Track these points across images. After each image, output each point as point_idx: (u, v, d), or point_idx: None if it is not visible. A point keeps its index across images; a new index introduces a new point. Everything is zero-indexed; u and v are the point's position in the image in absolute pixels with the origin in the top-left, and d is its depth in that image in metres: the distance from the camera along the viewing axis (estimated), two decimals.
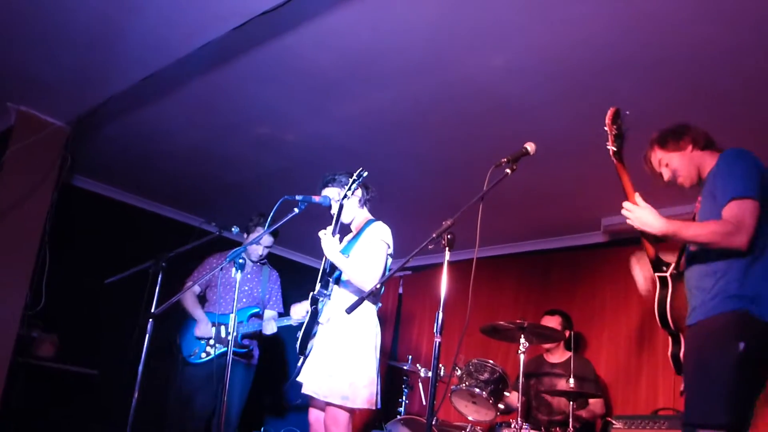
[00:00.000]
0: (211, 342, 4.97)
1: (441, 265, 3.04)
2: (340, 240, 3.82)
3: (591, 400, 5.18)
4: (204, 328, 4.98)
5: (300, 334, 3.83)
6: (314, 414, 3.81)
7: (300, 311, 4.24)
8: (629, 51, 3.62)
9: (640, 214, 2.93)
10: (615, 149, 3.15)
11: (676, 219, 2.92)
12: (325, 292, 3.80)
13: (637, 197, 3.01)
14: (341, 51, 3.92)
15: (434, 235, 2.95)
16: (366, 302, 3.67)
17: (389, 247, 3.83)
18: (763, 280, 2.69)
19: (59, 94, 4.72)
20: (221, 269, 4.77)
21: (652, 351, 5.47)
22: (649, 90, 3.96)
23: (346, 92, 4.38)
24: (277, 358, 7.15)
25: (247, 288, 5.17)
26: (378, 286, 3.60)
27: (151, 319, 4.04)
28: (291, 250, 7.79)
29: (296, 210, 3.80)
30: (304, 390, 3.66)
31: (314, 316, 3.81)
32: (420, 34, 3.69)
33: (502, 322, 4.64)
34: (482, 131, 4.63)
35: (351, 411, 3.62)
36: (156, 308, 4.10)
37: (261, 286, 5.30)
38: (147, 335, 4.12)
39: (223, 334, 4.98)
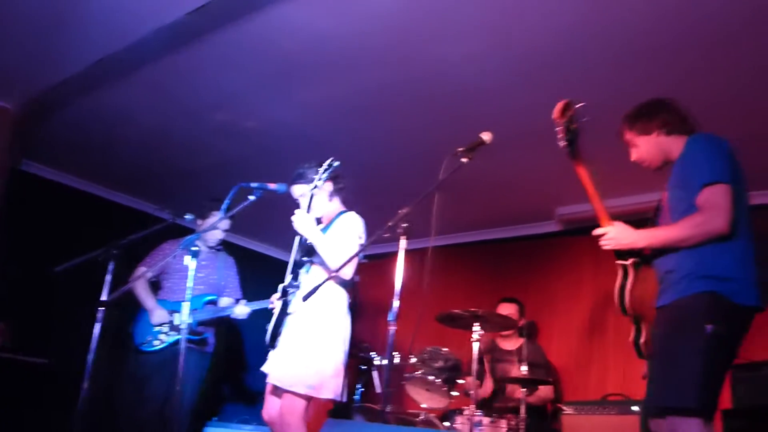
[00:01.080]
0: (165, 329, 4.91)
1: (397, 253, 3.06)
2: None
3: (540, 387, 5.27)
4: (158, 314, 4.91)
5: (270, 326, 3.73)
6: (272, 403, 3.69)
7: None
8: (583, 42, 3.66)
9: (616, 235, 2.93)
10: (566, 144, 3.13)
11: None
12: (295, 283, 3.73)
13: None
14: (302, 36, 3.89)
15: (390, 224, 2.96)
16: (339, 292, 3.68)
17: (361, 238, 3.73)
18: (734, 261, 2.67)
19: (8, 76, 4.60)
20: (174, 256, 4.73)
21: (602, 338, 5.59)
22: (602, 80, 4.01)
23: (306, 78, 4.35)
24: (234, 346, 7.13)
25: (202, 275, 5.09)
26: (351, 276, 3.61)
27: (102, 307, 3.98)
28: (247, 238, 7.73)
29: (252, 197, 3.76)
30: (269, 380, 3.60)
31: (284, 308, 3.71)
32: (382, 21, 3.68)
33: (457, 311, 4.68)
34: (440, 120, 4.66)
35: (308, 400, 3.55)
36: (108, 296, 4.04)
37: (217, 272, 5.22)
38: (98, 323, 4.07)
39: (177, 322, 4.92)
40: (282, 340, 3.67)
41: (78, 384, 3.98)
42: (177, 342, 4.82)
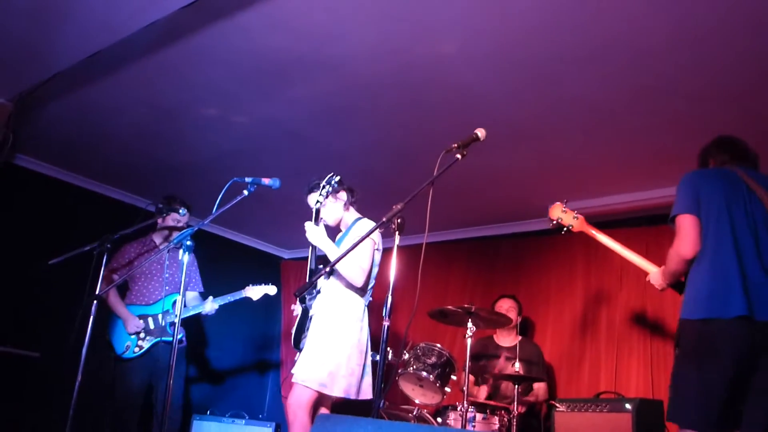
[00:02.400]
0: (142, 335, 4.93)
1: (390, 249, 3.06)
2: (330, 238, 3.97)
3: (535, 384, 5.28)
4: (132, 323, 4.93)
5: (294, 330, 4.01)
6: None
7: (255, 293, 4.94)
8: (576, 41, 3.66)
9: (652, 280, 3.39)
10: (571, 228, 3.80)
11: None
12: (314, 289, 3.97)
13: None
14: (293, 33, 3.87)
15: (384, 219, 2.96)
16: (353, 296, 3.94)
17: (376, 243, 4.00)
18: (692, 283, 3.00)
19: (0, 69, 4.57)
20: (138, 260, 4.89)
21: (595, 336, 5.60)
22: (594, 80, 4.01)
23: (297, 75, 4.33)
24: (212, 340, 7.15)
25: (168, 275, 5.11)
26: (363, 283, 3.89)
27: (95, 301, 4.00)
28: (232, 230, 7.72)
29: (245, 192, 3.77)
30: (293, 380, 3.82)
31: (305, 313, 3.97)
32: (373, 18, 3.66)
33: (450, 307, 4.68)
34: (433, 117, 4.65)
35: (316, 393, 3.77)
36: (100, 290, 4.05)
37: (179, 270, 5.22)
38: (91, 317, 4.07)
39: (152, 326, 4.98)
40: (305, 342, 3.94)
41: (69, 378, 3.98)
42: (156, 344, 4.94)
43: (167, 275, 5.09)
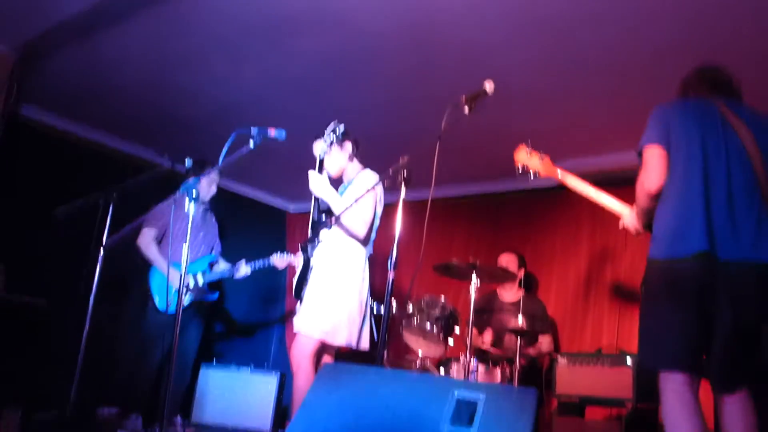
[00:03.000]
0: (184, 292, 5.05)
1: (395, 203, 3.06)
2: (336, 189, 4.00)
3: (540, 338, 5.34)
4: (177, 278, 5.01)
5: (295, 279, 4.04)
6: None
7: (281, 261, 5.13)
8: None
9: (628, 223, 3.13)
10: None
11: None
12: (316, 238, 3.98)
13: None
14: None
15: (391, 172, 2.97)
16: (354, 247, 3.95)
17: (378, 196, 4.02)
18: (658, 219, 2.82)
19: (4, 18, 4.53)
20: (175, 218, 4.97)
21: (599, 292, 5.63)
22: (607, 37, 3.97)
23: (303, 28, 4.28)
24: (219, 291, 7.22)
25: (201, 235, 5.25)
26: (365, 234, 3.91)
27: (102, 251, 4.03)
28: (239, 183, 7.72)
29: (251, 143, 3.75)
30: (295, 329, 3.87)
31: (306, 263, 3.99)
32: None
33: (454, 261, 4.71)
34: (441, 70, 4.61)
35: (321, 344, 3.83)
36: (107, 240, 4.08)
37: (210, 233, 5.43)
38: (98, 267, 4.10)
39: (191, 285, 5.13)
40: (306, 292, 3.96)
41: (77, 328, 4.03)
42: (192, 303, 5.17)
43: (201, 235, 5.21)
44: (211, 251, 5.43)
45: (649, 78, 4.32)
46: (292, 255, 5.20)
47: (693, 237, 2.65)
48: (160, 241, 5.19)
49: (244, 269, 5.23)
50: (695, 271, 2.64)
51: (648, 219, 2.96)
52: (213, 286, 5.37)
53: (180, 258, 4.99)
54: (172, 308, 5.03)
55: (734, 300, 2.63)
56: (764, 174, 2.74)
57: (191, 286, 5.12)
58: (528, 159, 3.49)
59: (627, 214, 3.12)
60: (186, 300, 5.10)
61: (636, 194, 2.93)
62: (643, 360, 2.87)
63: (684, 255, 2.66)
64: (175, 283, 5.01)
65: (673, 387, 2.63)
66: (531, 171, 3.49)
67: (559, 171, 3.42)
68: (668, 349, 2.67)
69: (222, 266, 5.35)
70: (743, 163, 2.75)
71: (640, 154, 2.89)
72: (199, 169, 4.99)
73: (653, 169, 2.81)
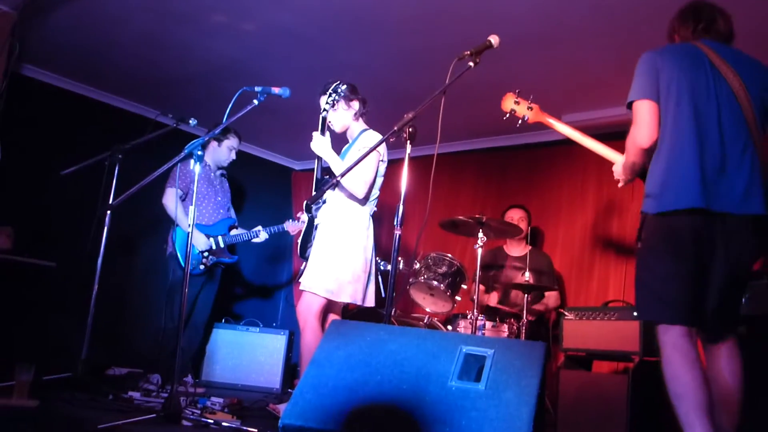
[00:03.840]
0: (206, 254, 5.16)
1: (401, 160, 3.05)
2: (338, 149, 3.99)
3: (546, 293, 5.35)
4: (202, 241, 5.17)
5: (299, 239, 4.07)
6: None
7: (293, 228, 5.26)
8: None
9: (615, 171, 3.11)
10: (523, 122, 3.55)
11: None
12: (319, 198, 3.99)
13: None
14: None
15: (396, 128, 2.95)
16: (357, 205, 3.96)
17: (381, 155, 4.00)
18: (651, 174, 2.80)
19: None
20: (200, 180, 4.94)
21: (605, 246, 5.62)
22: None
23: None
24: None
25: (220, 199, 5.34)
26: (365, 194, 3.90)
27: (109, 211, 4.05)
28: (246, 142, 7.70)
29: (255, 102, 3.74)
30: (301, 288, 3.90)
31: (311, 222, 4.02)
32: None
33: (460, 217, 4.71)
34: (445, 23, 4.54)
35: (326, 301, 3.85)
36: (113, 200, 4.09)
37: (226, 197, 5.56)
38: (105, 227, 4.12)
39: (214, 246, 5.23)
40: (311, 251, 3.99)
41: (85, 287, 4.07)
42: (215, 265, 5.32)
43: (219, 198, 5.30)
44: (230, 214, 5.53)
45: (657, 28, 4.24)
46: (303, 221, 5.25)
47: (688, 191, 2.63)
48: (183, 200, 5.22)
49: (263, 235, 5.36)
50: (690, 224, 2.64)
51: (634, 174, 2.97)
52: (231, 249, 5.44)
53: (202, 221, 5.17)
54: (196, 270, 5.17)
55: (729, 251, 2.65)
56: (753, 118, 2.70)
57: (213, 247, 5.19)
58: (515, 106, 3.51)
59: (618, 163, 3.09)
60: (209, 262, 5.22)
61: (626, 148, 2.89)
62: (642, 313, 2.85)
63: (679, 208, 2.64)
64: (198, 245, 5.13)
65: (672, 340, 2.63)
66: (519, 117, 3.52)
67: (548, 118, 3.46)
68: (666, 302, 2.67)
69: (238, 230, 5.45)
70: (732, 109, 2.71)
71: (629, 106, 2.83)
72: (220, 136, 5.06)
73: (645, 124, 2.76)
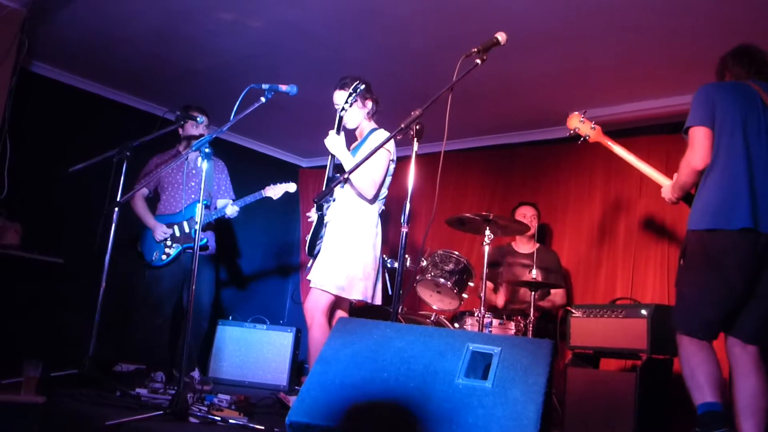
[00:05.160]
0: (168, 243, 5.04)
1: (408, 158, 3.05)
2: (347, 147, 3.97)
3: (553, 290, 5.34)
4: (159, 231, 5.07)
5: (308, 237, 4.04)
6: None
7: (276, 191, 5.09)
8: None
9: (665, 194, 3.38)
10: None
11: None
12: (330, 195, 3.99)
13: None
14: None
15: (403, 126, 2.95)
16: (366, 203, 3.95)
17: (391, 154, 3.98)
18: (700, 194, 3.05)
19: None
20: (165, 169, 5.00)
21: (613, 243, 5.61)
22: None
23: None
24: (234, 247, 7.27)
25: (194, 183, 5.17)
26: (373, 194, 3.90)
27: (116, 208, 4.06)
28: (249, 138, 7.70)
29: (263, 99, 3.74)
30: (311, 284, 3.89)
31: (320, 219, 4.00)
32: None
33: (467, 214, 4.70)
34: (453, 21, 4.53)
35: (333, 297, 3.85)
36: (121, 197, 4.10)
37: (208, 178, 5.26)
38: (113, 224, 4.14)
39: (177, 233, 5.09)
40: (320, 249, 3.97)
41: (93, 283, 4.08)
42: (182, 251, 5.07)
43: (193, 184, 5.15)
44: (208, 197, 5.22)
45: (671, 24, 4.24)
46: (291, 184, 5.20)
47: (738, 212, 2.87)
48: (155, 196, 5.21)
49: (231, 209, 5.06)
50: (738, 244, 2.87)
51: (684, 192, 3.22)
52: (205, 232, 5.19)
53: (167, 210, 5.09)
54: (158, 261, 5.03)
55: None
56: None
57: (177, 234, 5.06)
58: (580, 125, 3.78)
59: (666, 186, 3.36)
60: (173, 251, 5.04)
61: (680, 170, 3.13)
62: (676, 324, 3.06)
63: (728, 228, 2.88)
64: (156, 235, 5.04)
65: (691, 347, 2.96)
66: (582, 135, 3.80)
67: (607, 140, 3.72)
68: (699, 319, 2.95)
69: (220, 205, 5.20)
70: None
71: (686, 132, 3.09)
72: (184, 115, 4.91)
73: (700, 147, 3.01)
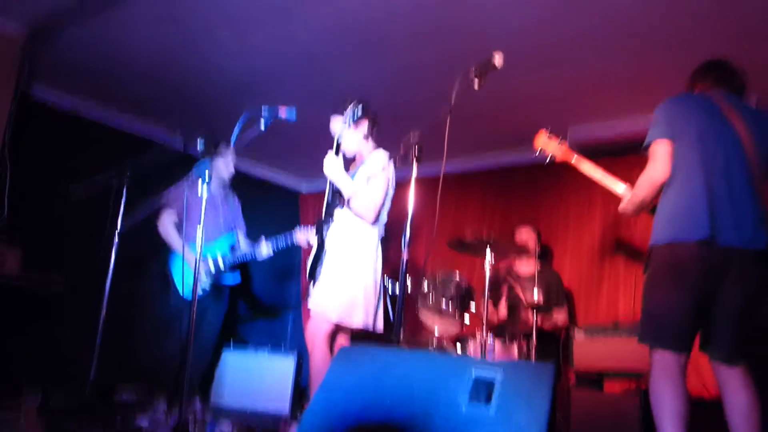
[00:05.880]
0: (202, 276, 5.03)
1: (407, 181, 3.04)
2: (347, 169, 3.95)
3: (554, 311, 5.31)
4: (192, 261, 4.97)
5: (309, 261, 4.00)
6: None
7: (302, 236, 4.89)
8: None
9: (621, 210, 3.36)
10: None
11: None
12: (330, 219, 3.97)
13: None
14: None
15: (402, 148, 2.98)
16: (366, 228, 3.92)
17: (390, 180, 3.97)
18: (661, 208, 3.07)
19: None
20: (194, 196, 4.87)
21: (614, 263, 5.60)
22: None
23: None
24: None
25: (221, 220, 5.19)
26: (373, 218, 3.87)
27: (117, 235, 4.05)
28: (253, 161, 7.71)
29: (262, 128, 3.73)
30: (311, 310, 3.87)
31: (321, 244, 3.97)
32: None
33: (468, 237, 4.69)
34: (452, 40, 4.56)
35: (336, 326, 3.82)
36: (122, 222, 4.10)
37: (231, 213, 5.36)
38: (113, 250, 4.13)
39: (212, 267, 5.07)
40: (321, 273, 3.93)
41: (94, 309, 4.06)
42: (213, 286, 5.10)
43: (220, 216, 5.17)
44: (233, 232, 5.32)
45: (657, 43, 4.26)
46: (313, 230, 5.18)
47: (697, 224, 2.88)
48: (177, 224, 5.18)
49: (265, 249, 5.12)
50: (697, 255, 2.87)
51: (641, 209, 3.24)
52: (235, 269, 5.28)
53: (195, 239, 5.05)
54: (188, 293, 4.95)
55: (737, 282, 2.87)
56: (757, 165, 2.96)
57: (211, 269, 5.07)
58: (546, 143, 3.72)
59: (625, 199, 3.31)
60: (207, 284, 5.02)
61: (639, 184, 3.13)
62: (641, 338, 3.05)
63: (687, 240, 2.89)
64: (192, 266, 4.95)
65: (662, 364, 2.90)
66: (548, 154, 3.72)
67: (574, 156, 3.64)
68: (666, 330, 2.93)
69: (243, 248, 5.26)
70: (739, 155, 2.97)
71: (646, 149, 3.11)
72: (212, 150, 4.94)
73: (661, 161, 3.03)
